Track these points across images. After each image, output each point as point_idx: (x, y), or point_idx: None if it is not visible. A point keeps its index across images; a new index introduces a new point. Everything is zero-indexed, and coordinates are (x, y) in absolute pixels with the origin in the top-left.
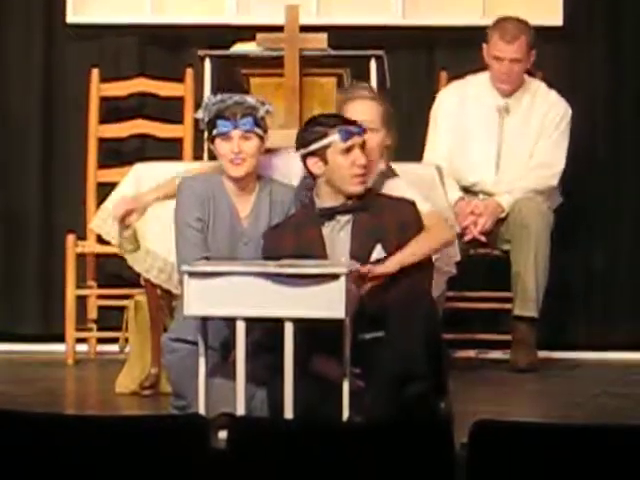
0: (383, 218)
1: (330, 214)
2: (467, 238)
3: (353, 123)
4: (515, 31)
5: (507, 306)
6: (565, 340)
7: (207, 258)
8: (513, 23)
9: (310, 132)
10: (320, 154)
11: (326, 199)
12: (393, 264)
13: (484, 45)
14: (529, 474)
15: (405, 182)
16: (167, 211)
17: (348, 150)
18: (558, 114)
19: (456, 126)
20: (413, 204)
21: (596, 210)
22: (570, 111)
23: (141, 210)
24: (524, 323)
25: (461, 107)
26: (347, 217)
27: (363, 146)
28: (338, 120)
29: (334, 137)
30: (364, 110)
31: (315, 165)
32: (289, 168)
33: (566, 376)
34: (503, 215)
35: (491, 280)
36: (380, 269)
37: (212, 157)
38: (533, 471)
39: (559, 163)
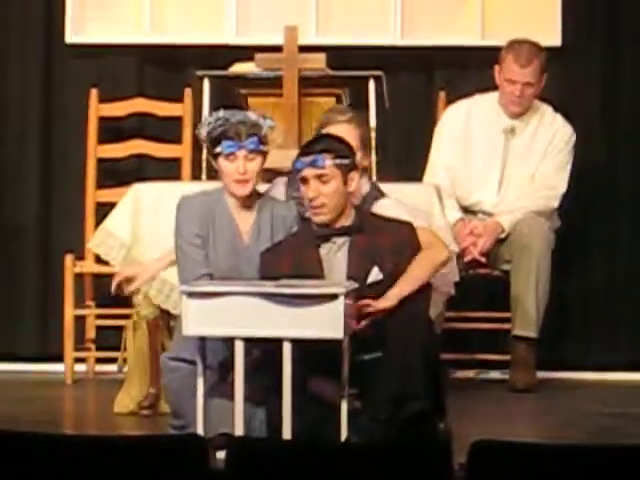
0: (380, 239)
1: (327, 235)
2: (467, 259)
3: (330, 150)
4: (529, 55)
5: (506, 326)
6: (564, 360)
7: (210, 275)
8: (528, 47)
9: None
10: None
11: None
12: (393, 298)
13: (496, 66)
14: None
15: (393, 201)
16: (163, 231)
17: (303, 181)
18: (563, 139)
19: (461, 144)
20: (410, 225)
21: (594, 231)
22: (574, 136)
23: (147, 279)
24: (523, 343)
25: (467, 125)
26: (344, 239)
27: (321, 178)
28: (305, 149)
29: (295, 167)
30: (343, 133)
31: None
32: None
33: (565, 396)
34: (503, 235)
35: (490, 300)
36: (381, 304)
37: (211, 177)
38: None
39: (561, 185)
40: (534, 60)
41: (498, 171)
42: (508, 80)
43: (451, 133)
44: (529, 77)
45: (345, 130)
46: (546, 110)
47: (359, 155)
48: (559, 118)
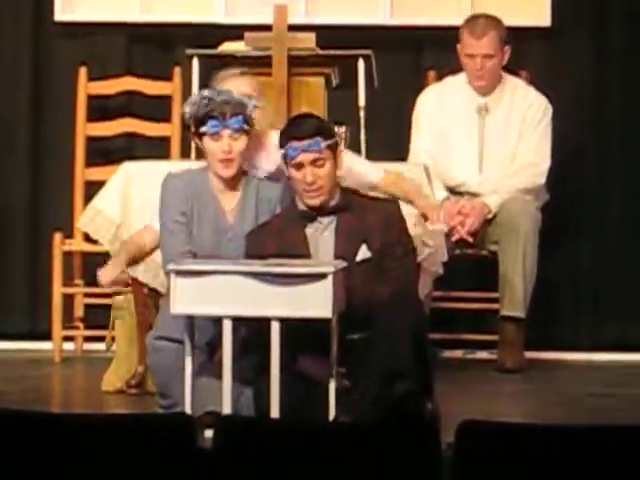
0: (367, 218)
1: (312, 216)
2: (454, 238)
3: (321, 132)
4: (484, 27)
5: (494, 306)
6: (552, 340)
7: (194, 253)
8: (482, 19)
9: (280, 135)
10: (286, 165)
11: (302, 203)
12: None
13: (458, 45)
14: (515, 474)
15: (350, 155)
16: (153, 210)
17: (298, 167)
18: (539, 110)
19: (437, 128)
20: (395, 202)
21: (583, 208)
22: (550, 107)
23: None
24: (511, 323)
25: (441, 109)
26: (330, 218)
27: (316, 161)
28: (295, 133)
29: (286, 152)
30: (239, 85)
31: (285, 169)
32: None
33: (553, 377)
34: (490, 216)
35: (478, 280)
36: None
37: (200, 155)
38: (519, 471)
39: (545, 161)
40: (489, 31)
41: (476, 150)
42: (467, 55)
43: (427, 118)
44: (486, 48)
45: (240, 81)
46: (517, 83)
47: (257, 100)
48: (532, 91)
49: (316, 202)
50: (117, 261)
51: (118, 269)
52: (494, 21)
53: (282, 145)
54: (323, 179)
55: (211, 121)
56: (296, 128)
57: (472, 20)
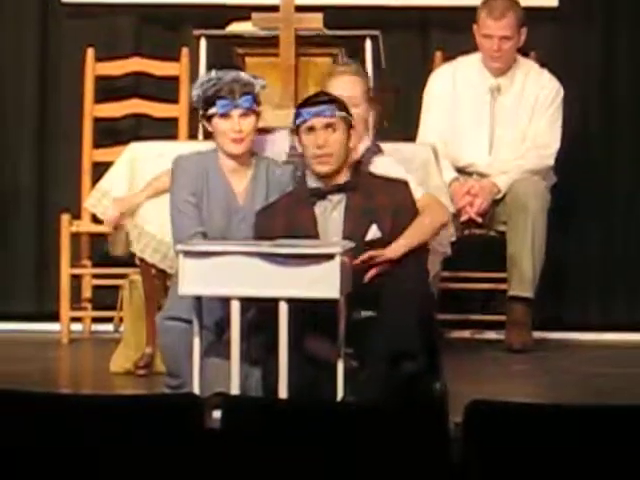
0: (377, 199)
1: (321, 194)
2: (463, 219)
3: (335, 102)
4: (503, 8)
5: (502, 286)
6: (560, 321)
7: (204, 233)
8: (501, 1)
9: (295, 112)
10: (297, 133)
11: (311, 179)
12: (400, 249)
13: (474, 26)
14: (523, 454)
15: (392, 160)
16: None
17: (310, 130)
18: (551, 93)
19: (448, 108)
20: (406, 185)
21: (590, 189)
22: (562, 90)
23: (132, 212)
24: (519, 303)
25: (453, 88)
26: (339, 197)
27: (328, 127)
28: (311, 100)
29: (300, 118)
30: (344, 86)
31: (297, 144)
32: (278, 147)
33: (561, 357)
34: (499, 196)
35: (486, 260)
36: (389, 253)
37: (207, 136)
38: (527, 451)
39: (555, 142)
40: (508, 13)
41: (487, 130)
42: (485, 35)
43: (438, 98)
44: (504, 30)
45: (350, 81)
46: (532, 66)
47: (362, 108)
48: (546, 74)
49: (325, 169)
50: (132, 200)
51: (127, 207)
52: (513, 2)
53: (294, 116)
54: (333, 146)
55: (220, 101)
56: (311, 98)
57: (491, 1)
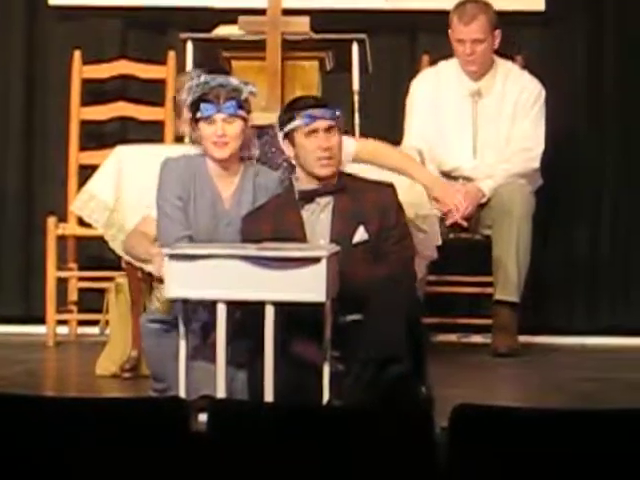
0: (364, 200)
1: (309, 197)
2: (449, 222)
3: (325, 106)
4: (472, 11)
5: (488, 290)
6: (546, 325)
7: (191, 237)
8: (470, 5)
9: (282, 115)
10: (290, 137)
11: (304, 182)
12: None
13: (449, 30)
14: (509, 458)
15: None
16: (149, 195)
17: (311, 133)
18: (532, 94)
19: (431, 113)
20: (393, 187)
21: (576, 193)
22: (544, 91)
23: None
24: (505, 308)
25: (435, 93)
26: (327, 200)
27: (330, 130)
28: (310, 103)
29: (300, 120)
30: None
31: (287, 148)
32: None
33: (547, 361)
34: (484, 200)
35: (472, 264)
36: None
37: (194, 140)
38: (513, 455)
39: (539, 145)
40: (478, 16)
41: (470, 134)
42: (457, 40)
43: (421, 103)
44: (475, 33)
45: None
46: (512, 68)
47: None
48: (526, 75)
49: (328, 171)
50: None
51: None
52: (483, 5)
53: (286, 119)
54: (335, 149)
55: (205, 104)
56: (306, 100)
57: (461, 5)
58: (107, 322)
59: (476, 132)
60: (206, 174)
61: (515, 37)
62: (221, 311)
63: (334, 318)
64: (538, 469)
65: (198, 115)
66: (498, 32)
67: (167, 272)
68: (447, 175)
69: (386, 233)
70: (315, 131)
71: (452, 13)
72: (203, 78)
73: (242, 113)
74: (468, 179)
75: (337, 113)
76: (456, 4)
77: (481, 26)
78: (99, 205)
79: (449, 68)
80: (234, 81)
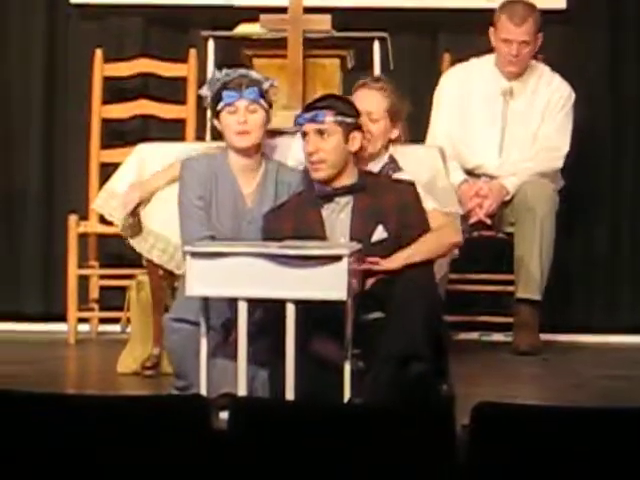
0: (383, 199)
1: (329, 196)
2: (472, 220)
3: (331, 107)
4: (524, 13)
5: (510, 289)
6: (567, 323)
7: (213, 237)
8: (521, 5)
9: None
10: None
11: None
12: (399, 261)
13: (491, 28)
14: (530, 456)
15: (409, 175)
16: (170, 192)
17: (304, 136)
18: (562, 97)
19: (459, 109)
20: (413, 185)
21: (598, 192)
22: (573, 94)
23: (148, 197)
24: (527, 306)
25: (464, 90)
26: (347, 199)
27: (324, 132)
28: (314, 104)
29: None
30: (366, 99)
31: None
32: (288, 151)
33: (568, 359)
34: (508, 198)
35: (494, 262)
36: (387, 264)
37: (215, 137)
38: (534, 453)
39: (564, 146)
40: (528, 18)
41: (498, 133)
42: (504, 40)
43: (449, 98)
44: (524, 35)
45: (372, 95)
46: (544, 70)
47: (381, 124)
48: (557, 77)
49: (317, 175)
50: (148, 185)
51: (143, 192)
52: (532, 7)
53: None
54: (325, 152)
55: (227, 92)
56: (312, 102)
57: (511, 5)
58: (128, 320)
59: (504, 131)
60: (228, 172)
61: None
62: (242, 309)
63: (355, 316)
64: (559, 467)
65: (220, 105)
66: (541, 35)
67: (188, 270)
68: (470, 172)
69: (406, 231)
70: (305, 134)
71: (500, 11)
72: (224, 71)
73: (263, 103)
74: (492, 177)
75: (329, 118)
76: (505, 3)
77: (530, 28)
78: (120, 203)
79: (482, 65)
80: (254, 74)
